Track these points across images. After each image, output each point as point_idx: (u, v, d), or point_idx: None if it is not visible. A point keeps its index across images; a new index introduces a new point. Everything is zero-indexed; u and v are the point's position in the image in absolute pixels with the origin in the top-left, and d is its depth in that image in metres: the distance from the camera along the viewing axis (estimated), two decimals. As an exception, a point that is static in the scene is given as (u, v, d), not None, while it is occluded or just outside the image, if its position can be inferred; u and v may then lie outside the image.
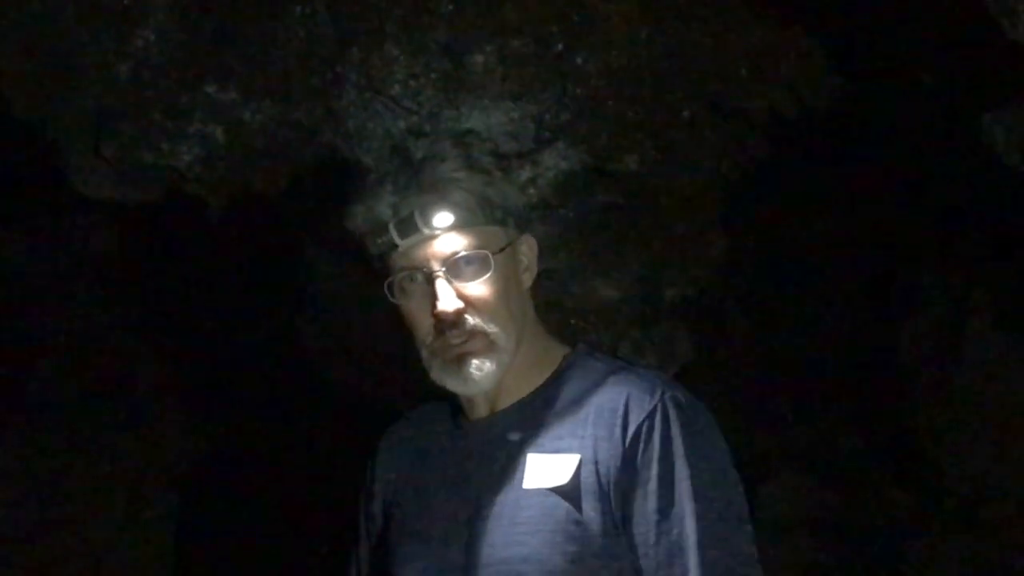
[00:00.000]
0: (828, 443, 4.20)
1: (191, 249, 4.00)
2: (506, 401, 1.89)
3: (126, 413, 4.62)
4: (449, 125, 2.75)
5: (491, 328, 1.83)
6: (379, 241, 1.84)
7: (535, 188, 2.91)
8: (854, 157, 3.64)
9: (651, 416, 1.79)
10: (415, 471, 1.97)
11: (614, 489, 1.78)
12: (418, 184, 1.82)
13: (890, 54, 3.00)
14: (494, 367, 1.84)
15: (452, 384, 1.86)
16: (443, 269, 1.81)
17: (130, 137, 2.89)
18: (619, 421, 1.80)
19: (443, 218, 1.81)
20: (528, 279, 1.93)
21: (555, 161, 2.89)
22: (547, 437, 1.84)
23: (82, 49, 2.88)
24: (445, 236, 1.81)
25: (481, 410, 1.91)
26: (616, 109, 2.85)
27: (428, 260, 1.82)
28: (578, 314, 3.08)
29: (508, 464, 1.84)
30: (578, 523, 1.77)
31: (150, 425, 4.63)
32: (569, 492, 1.78)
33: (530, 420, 1.86)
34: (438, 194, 1.81)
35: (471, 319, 1.82)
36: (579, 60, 2.78)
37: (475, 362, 1.83)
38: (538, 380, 1.90)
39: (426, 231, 1.81)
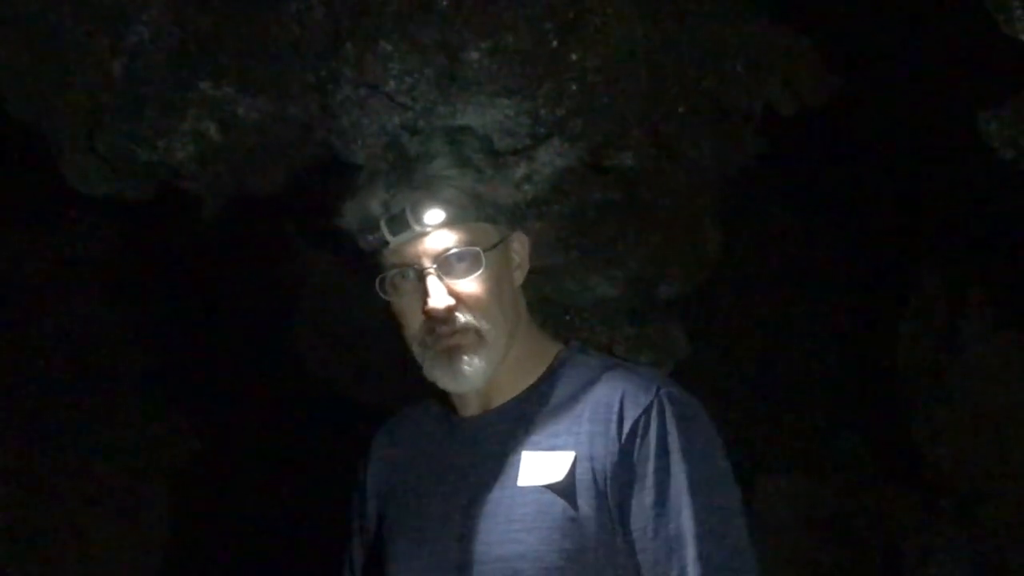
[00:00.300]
0: (825, 441, 4.20)
1: (186, 246, 4.00)
2: (499, 399, 1.89)
3: (122, 411, 4.62)
4: (444, 121, 2.74)
5: (482, 325, 1.83)
6: (371, 238, 1.85)
7: (531, 185, 2.91)
8: (850, 154, 3.64)
9: (647, 412, 1.79)
10: (409, 469, 1.97)
11: (610, 485, 1.78)
12: (409, 181, 1.82)
13: (886, 50, 2.99)
14: (484, 363, 1.84)
15: (443, 380, 1.86)
16: (434, 266, 1.81)
17: (124, 134, 2.88)
18: (615, 417, 1.80)
19: (434, 215, 1.81)
20: (520, 276, 1.93)
21: (551, 158, 2.89)
22: (541, 434, 1.84)
23: (76, 46, 2.87)
24: (436, 233, 1.81)
25: (474, 408, 1.91)
26: (612, 105, 2.84)
27: (419, 257, 1.82)
28: (574, 311, 3.08)
29: (502, 461, 1.84)
30: (573, 520, 1.77)
31: (147, 423, 4.63)
32: (564, 489, 1.78)
33: (524, 417, 1.86)
34: (429, 191, 1.81)
35: (462, 316, 1.82)
36: (575, 56, 2.77)
37: (465, 358, 1.83)
38: (531, 377, 1.90)
39: (417, 228, 1.81)
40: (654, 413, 1.79)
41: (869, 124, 3.43)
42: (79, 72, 2.88)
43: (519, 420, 1.87)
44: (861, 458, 4.11)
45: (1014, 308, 3.41)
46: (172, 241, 4.09)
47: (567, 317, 3.08)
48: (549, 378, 1.89)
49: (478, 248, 1.82)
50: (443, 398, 1.94)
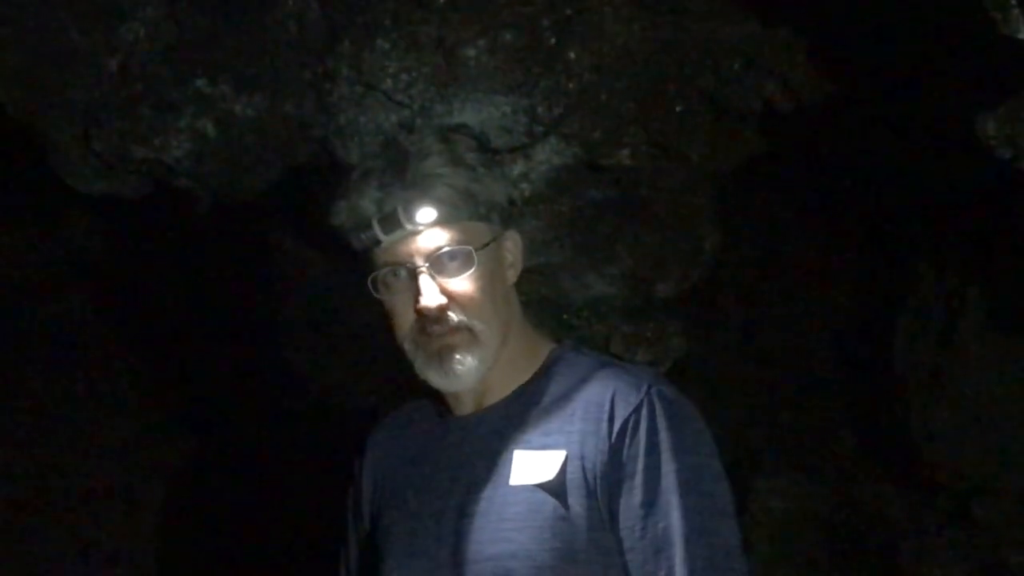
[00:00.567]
0: (822, 439, 4.20)
1: (182, 244, 3.99)
2: (492, 398, 1.90)
3: (118, 409, 4.61)
4: (441, 119, 2.74)
5: (475, 324, 1.83)
6: (363, 236, 1.85)
7: (528, 183, 2.91)
8: (848, 152, 3.63)
9: (637, 410, 1.79)
10: (403, 468, 1.98)
11: (600, 484, 1.78)
12: (402, 180, 1.82)
13: (884, 49, 2.99)
14: (477, 362, 1.84)
15: (435, 379, 1.86)
16: (426, 265, 1.82)
17: (120, 132, 2.87)
18: (605, 415, 1.80)
19: (426, 214, 1.81)
20: (513, 275, 1.93)
21: (548, 156, 2.89)
22: (534, 433, 1.84)
23: (72, 43, 2.87)
24: (428, 232, 1.81)
25: (468, 407, 1.92)
26: (609, 103, 2.84)
27: (411, 256, 1.82)
28: (570, 309, 3.08)
29: (495, 461, 1.84)
30: (564, 519, 1.78)
31: (144, 421, 4.62)
32: (555, 488, 1.78)
33: (516, 416, 1.87)
34: (422, 190, 1.81)
35: (454, 315, 1.83)
36: (572, 54, 2.77)
37: (457, 356, 1.83)
38: (524, 376, 1.90)
39: (409, 227, 1.81)
40: (644, 412, 1.79)
41: (867, 123, 3.42)
42: (75, 70, 2.87)
43: (512, 419, 1.87)
44: (858, 458, 4.11)
45: (1012, 308, 3.41)
46: (168, 239, 4.08)
47: (564, 316, 3.07)
48: (542, 377, 1.90)
49: (470, 247, 1.82)
50: (437, 397, 1.95)
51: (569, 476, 1.79)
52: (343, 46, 2.76)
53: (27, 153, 3.06)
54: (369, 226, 1.83)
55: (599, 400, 1.81)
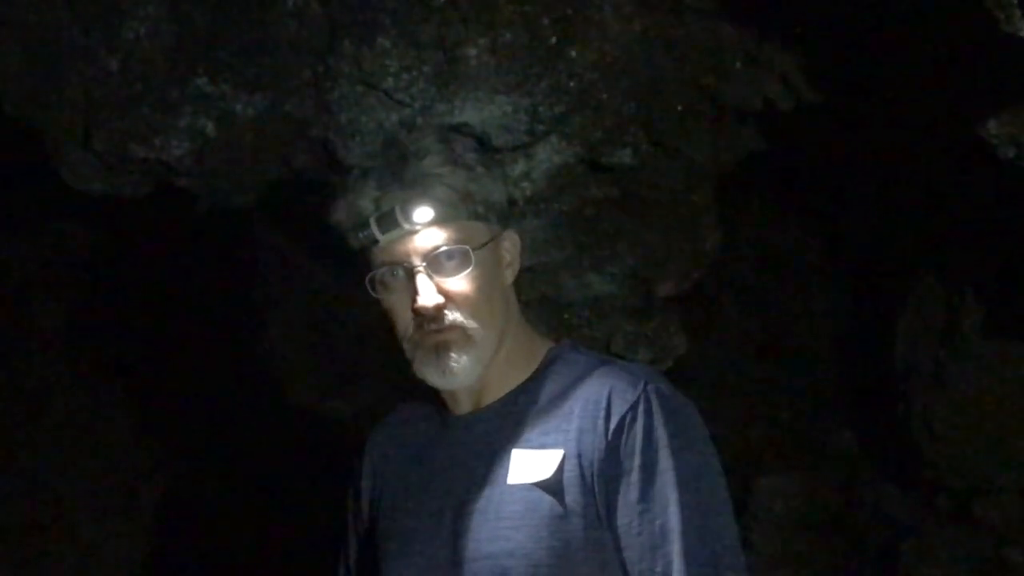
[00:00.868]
0: (823, 439, 4.20)
1: (182, 243, 3.99)
2: (490, 397, 1.90)
3: (116, 409, 4.61)
4: (442, 118, 2.74)
5: (471, 323, 1.83)
6: (360, 236, 1.85)
7: (529, 182, 2.90)
8: (849, 151, 3.63)
9: (634, 407, 1.79)
10: (403, 468, 1.99)
11: (598, 481, 1.78)
12: (400, 179, 1.82)
13: (884, 47, 2.99)
14: (473, 361, 1.84)
15: (432, 377, 1.86)
16: (424, 264, 1.82)
17: (120, 131, 2.87)
18: (602, 413, 1.80)
19: (423, 213, 1.81)
20: (511, 275, 1.93)
21: (549, 155, 2.89)
22: (531, 432, 1.85)
23: (72, 42, 2.86)
24: (426, 231, 1.82)
25: (466, 406, 1.92)
26: (610, 102, 2.84)
27: (409, 255, 1.83)
28: (572, 308, 3.08)
29: (493, 460, 1.85)
30: (562, 517, 1.78)
31: (142, 420, 4.62)
32: (552, 486, 1.79)
33: (514, 415, 1.87)
34: (419, 189, 1.81)
35: (451, 314, 1.83)
36: (573, 53, 2.77)
37: (453, 355, 1.83)
38: (522, 375, 1.91)
39: (406, 226, 1.81)
40: (640, 409, 1.79)
41: (868, 121, 3.42)
42: (75, 68, 2.87)
43: (509, 418, 1.87)
44: (859, 457, 4.10)
45: (1014, 307, 3.40)
46: (168, 239, 4.08)
47: (565, 315, 3.07)
48: (540, 376, 1.90)
49: (467, 246, 1.83)
50: (436, 397, 1.95)
51: (567, 475, 1.79)
52: (343, 45, 2.76)
53: (27, 153, 3.05)
54: (367, 225, 1.83)
55: (596, 398, 1.82)
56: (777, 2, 2.89)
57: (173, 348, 4.39)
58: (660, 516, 1.75)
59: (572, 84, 2.79)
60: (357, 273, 1.88)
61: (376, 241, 1.83)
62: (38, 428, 4.60)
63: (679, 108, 3.00)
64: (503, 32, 2.71)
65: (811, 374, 4.24)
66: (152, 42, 2.83)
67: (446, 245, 1.82)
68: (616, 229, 3.02)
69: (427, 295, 1.81)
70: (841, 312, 4.23)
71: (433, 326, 1.83)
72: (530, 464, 1.82)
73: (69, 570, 4.60)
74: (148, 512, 4.66)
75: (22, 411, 4.58)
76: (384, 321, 1.89)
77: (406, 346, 1.86)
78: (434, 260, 1.82)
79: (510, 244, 1.92)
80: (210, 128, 2.87)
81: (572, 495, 1.78)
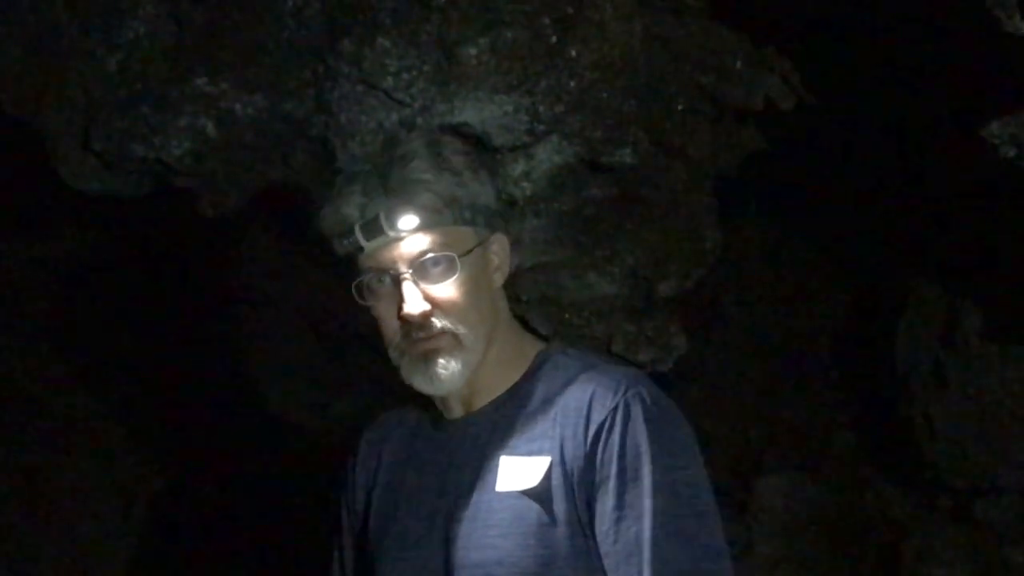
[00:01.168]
0: (822, 439, 4.19)
1: (181, 243, 3.98)
2: (480, 401, 1.90)
3: (114, 409, 4.61)
4: (442, 118, 2.73)
5: (459, 329, 1.83)
6: (345, 243, 1.84)
7: (529, 182, 2.90)
8: (848, 150, 3.63)
9: (612, 413, 1.79)
10: (395, 469, 1.99)
11: (578, 489, 1.78)
12: (384, 186, 1.81)
13: (885, 47, 2.99)
14: (461, 366, 1.84)
15: (420, 383, 1.86)
16: (410, 271, 1.82)
17: (120, 130, 2.87)
18: (583, 420, 1.80)
19: (408, 220, 1.80)
20: (500, 277, 1.93)
21: (549, 154, 2.88)
22: (519, 439, 1.84)
23: (71, 41, 2.86)
24: (411, 238, 1.81)
25: (456, 411, 1.93)
26: (610, 102, 2.83)
27: (395, 262, 1.82)
28: (572, 308, 3.07)
29: (482, 466, 1.85)
30: (549, 525, 1.78)
31: (140, 421, 4.61)
32: (540, 494, 1.79)
33: (503, 421, 1.87)
34: (404, 196, 1.81)
35: (438, 321, 1.82)
36: (573, 52, 2.76)
37: (441, 361, 1.83)
38: (513, 378, 1.91)
39: (391, 233, 1.81)
40: (619, 415, 1.78)
41: (868, 121, 3.42)
42: (74, 68, 2.87)
43: (499, 424, 1.87)
44: (859, 457, 4.10)
45: (1014, 307, 3.40)
46: (168, 239, 4.07)
47: (565, 315, 3.07)
48: (530, 379, 1.90)
49: (453, 253, 1.82)
50: (427, 401, 1.95)
51: (554, 483, 1.79)
52: (343, 45, 2.75)
53: (26, 152, 3.05)
54: (352, 232, 1.82)
55: (578, 404, 1.81)
56: (777, 2, 2.89)
57: (172, 348, 4.38)
58: (635, 524, 1.74)
59: (572, 84, 2.78)
60: (349, 277, 1.88)
61: (361, 248, 1.83)
62: (37, 428, 4.59)
63: (679, 108, 3.00)
64: (503, 32, 2.70)
65: (811, 374, 4.24)
66: (152, 42, 2.83)
67: (432, 252, 1.81)
68: (616, 229, 3.01)
69: (413, 303, 1.81)
70: (841, 312, 4.23)
71: (421, 334, 1.82)
72: (518, 472, 1.82)
73: (67, 570, 4.59)
74: (146, 513, 4.66)
75: (21, 411, 4.57)
76: (373, 326, 1.88)
77: (393, 354, 1.86)
78: (420, 267, 1.82)
79: (499, 247, 1.92)
80: (210, 128, 2.86)
81: (559, 503, 1.78)
